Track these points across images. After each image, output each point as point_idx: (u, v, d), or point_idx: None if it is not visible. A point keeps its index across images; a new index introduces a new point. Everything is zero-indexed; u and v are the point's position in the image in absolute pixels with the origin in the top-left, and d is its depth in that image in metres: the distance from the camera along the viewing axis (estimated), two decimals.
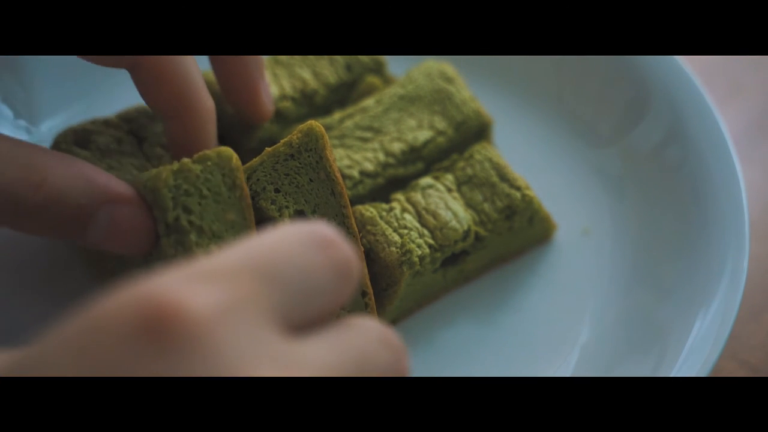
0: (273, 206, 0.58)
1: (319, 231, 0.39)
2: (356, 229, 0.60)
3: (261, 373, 0.35)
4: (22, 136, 0.69)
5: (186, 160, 0.54)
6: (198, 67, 0.58)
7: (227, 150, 0.55)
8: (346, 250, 0.39)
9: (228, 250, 0.37)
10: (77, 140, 0.64)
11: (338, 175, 0.59)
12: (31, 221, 0.53)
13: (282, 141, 0.59)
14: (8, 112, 0.70)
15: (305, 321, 0.38)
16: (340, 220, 0.59)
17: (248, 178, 0.58)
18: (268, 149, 0.59)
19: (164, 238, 0.54)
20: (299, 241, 0.38)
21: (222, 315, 0.34)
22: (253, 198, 0.58)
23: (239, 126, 0.67)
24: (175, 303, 0.34)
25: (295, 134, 0.59)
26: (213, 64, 0.62)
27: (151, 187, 0.54)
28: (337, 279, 0.39)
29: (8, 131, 0.69)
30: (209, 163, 0.54)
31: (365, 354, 0.39)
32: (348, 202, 0.59)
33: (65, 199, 0.53)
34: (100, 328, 0.34)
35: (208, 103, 0.58)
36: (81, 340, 0.34)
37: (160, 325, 0.34)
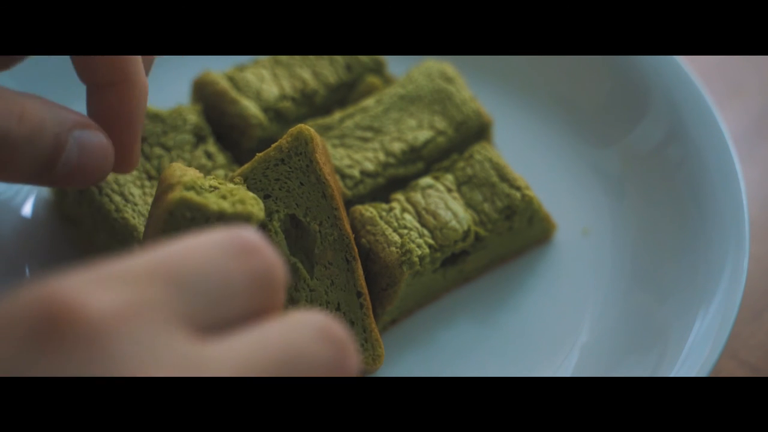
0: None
1: (240, 237, 0.38)
2: (350, 230, 0.59)
3: (158, 374, 0.34)
4: None
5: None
6: None
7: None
8: (267, 258, 0.38)
9: (139, 254, 0.37)
10: None
11: (329, 177, 0.59)
12: (14, 157, 0.53)
13: (272, 146, 0.59)
14: None
15: (221, 324, 0.37)
16: (332, 222, 0.59)
17: None
18: (258, 154, 0.59)
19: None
20: (216, 248, 0.37)
21: (120, 317, 0.34)
22: None
23: (239, 126, 0.67)
24: (72, 304, 0.34)
25: (284, 138, 0.59)
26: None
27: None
28: (256, 286, 0.38)
29: None
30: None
31: (295, 350, 0.37)
32: (340, 204, 0.59)
33: (45, 130, 0.53)
34: None
35: (143, 80, 0.56)
36: None
37: (54, 325, 0.33)
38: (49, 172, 0.54)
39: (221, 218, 0.52)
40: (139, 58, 0.56)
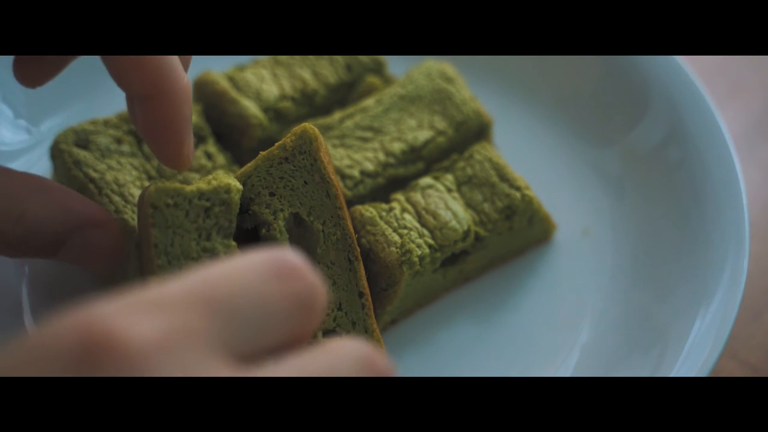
0: (267, 210, 0.58)
1: (282, 259, 0.38)
2: (352, 230, 0.59)
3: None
4: (22, 136, 0.70)
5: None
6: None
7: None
8: (309, 280, 0.38)
9: (178, 278, 0.37)
10: (77, 140, 0.64)
11: (333, 177, 0.59)
12: (8, 249, 0.55)
13: (276, 144, 0.59)
14: (8, 112, 0.70)
15: (259, 351, 0.37)
16: (336, 222, 0.59)
17: (243, 184, 0.58)
18: (262, 153, 0.59)
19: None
20: (256, 271, 0.37)
21: (159, 345, 0.34)
22: (247, 203, 0.58)
23: (239, 126, 0.67)
24: (112, 332, 0.34)
25: (288, 137, 0.59)
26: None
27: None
28: (296, 310, 0.37)
29: (8, 131, 0.69)
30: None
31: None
32: (344, 204, 0.59)
33: (43, 229, 0.54)
34: (38, 351, 0.34)
35: (184, 82, 0.55)
36: (18, 362, 0.34)
37: (95, 353, 0.34)
38: (49, 257, 0.56)
39: (203, 197, 0.55)
40: (177, 67, 0.55)
